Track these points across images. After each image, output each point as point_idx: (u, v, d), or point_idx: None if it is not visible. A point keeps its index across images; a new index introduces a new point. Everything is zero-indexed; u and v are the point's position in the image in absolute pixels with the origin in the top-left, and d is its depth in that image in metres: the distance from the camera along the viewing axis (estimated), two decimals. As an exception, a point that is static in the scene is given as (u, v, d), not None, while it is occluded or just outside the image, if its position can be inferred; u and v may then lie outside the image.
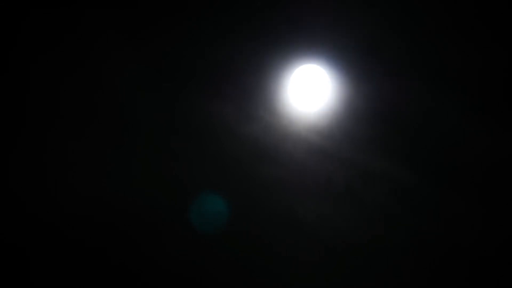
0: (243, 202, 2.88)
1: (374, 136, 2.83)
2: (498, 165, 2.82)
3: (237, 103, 2.81)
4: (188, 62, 2.82)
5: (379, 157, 2.85)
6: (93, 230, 2.85)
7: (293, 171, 2.87)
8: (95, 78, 2.79)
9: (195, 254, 2.89)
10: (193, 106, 2.82)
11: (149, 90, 2.81)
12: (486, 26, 2.76)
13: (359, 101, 2.81)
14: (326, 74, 2.84)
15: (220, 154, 2.86)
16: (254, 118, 2.82)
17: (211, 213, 2.87)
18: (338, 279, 2.89)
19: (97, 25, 2.73)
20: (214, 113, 2.81)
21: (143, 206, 2.87)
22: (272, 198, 2.88)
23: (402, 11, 2.77)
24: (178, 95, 2.83)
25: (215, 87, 2.82)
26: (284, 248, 2.90)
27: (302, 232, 2.89)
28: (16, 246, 2.86)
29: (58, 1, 2.69)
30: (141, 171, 2.86)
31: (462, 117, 2.80)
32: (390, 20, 2.78)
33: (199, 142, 2.86)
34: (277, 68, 2.82)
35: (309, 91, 2.86)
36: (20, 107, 2.80)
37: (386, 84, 2.81)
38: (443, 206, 2.85)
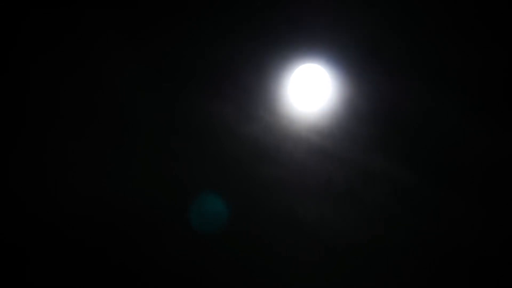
0: (243, 202, 2.88)
1: (374, 136, 2.83)
2: (498, 165, 2.81)
3: (237, 103, 2.81)
4: (188, 62, 2.82)
5: (379, 157, 2.84)
6: (93, 230, 2.85)
7: (293, 171, 2.86)
8: (95, 78, 2.79)
9: (195, 254, 2.89)
10: (193, 106, 2.82)
11: (149, 90, 2.81)
12: (486, 26, 2.76)
13: (359, 101, 2.81)
14: (326, 73, 2.83)
15: (220, 154, 2.86)
16: (254, 118, 2.82)
17: (211, 213, 2.87)
18: (338, 279, 2.89)
19: (97, 25, 2.73)
20: (214, 113, 2.81)
21: (143, 206, 2.87)
22: (272, 198, 2.88)
23: (403, 11, 2.77)
24: (178, 95, 2.82)
25: (215, 87, 2.82)
26: (284, 248, 2.90)
27: (302, 232, 2.89)
28: (16, 246, 2.86)
29: (58, 1, 2.69)
30: (141, 171, 2.86)
31: (462, 117, 2.79)
32: (390, 20, 2.78)
33: (199, 142, 2.86)
34: (277, 68, 2.81)
35: (309, 91, 2.86)
36: (20, 107, 2.80)
37: (386, 84, 2.80)
38: (443, 206, 2.85)
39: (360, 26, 2.78)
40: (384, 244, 2.86)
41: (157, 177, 2.86)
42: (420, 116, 2.83)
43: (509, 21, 2.74)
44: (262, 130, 2.82)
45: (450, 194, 2.84)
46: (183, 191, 2.87)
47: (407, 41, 2.79)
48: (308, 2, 2.76)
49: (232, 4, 2.78)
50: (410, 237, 2.85)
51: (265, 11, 2.78)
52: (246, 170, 2.85)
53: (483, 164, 2.81)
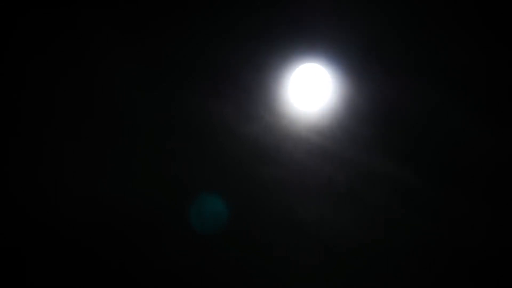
0: (243, 202, 2.88)
1: (376, 136, 2.82)
2: (502, 165, 2.79)
3: (237, 103, 2.81)
4: (188, 61, 2.82)
5: (381, 157, 2.82)
6: (92, 231, 2.86)
7: (294, 171, 2.86)
8: (93, 78, 2.80)
9: (194, 254, 2.89)
10: (193, 106, 2.82)
11: (148, 90, 2.82)
12: (490, 25, 2.74)
13: (360, 101, 2.80)
14: (327, 73, 2.82)
15: (220, 154, 2.86)
16: (254, 118, 2.81)
17: (210, 213, 2.87)
18: (338, 280, 2.87)
19: (94, 24, 2.74)
20: (214, 113, 2.81)
21: (142, 206, 2.87)
22: (272, 198, 2.87)
23: (405, 10, 2.75)
24: (177, 95, 2.83)
25: (215, 87, 2.82)
26: (284, 249, 2.89)
27: (302, 232, 2.88)
28: (12, 248, 2.87)
29: (54, 0, 2.70)
30: (141, 171, 2.87)
31: (465, 117, 2.77)
32: (391, 19, 2.77)
33: (199, 142, 2.86)
34: (277, 67, 2.81)
35: (309, 91, 2.85)
36: (16, 107, 2.82)
37: (388, 83, 2.79)
38: (446, 207, 2.83)
39: (361, 25, 2.77)
40: (386, 245, 2.85)
41: (156, 177, 2.87)
42: (422, 115, 2.81)
43: (513, 20, 2.72)
44: (262, 130, 2.82)
45: (453, 194, 2.82)
46: (183, 191, 2.87)
47: (408, 40, 2.77)
48: (308, 2, 2.75)
49: (232, 4, 2.78)
50: (412, 238, 2.83)
51: (265, 11, 2.77)
52: (246, 170, 2.84)
53: (486, 164, 2.78)
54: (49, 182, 2.84)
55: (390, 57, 2.78)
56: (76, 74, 2.80)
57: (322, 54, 2.79)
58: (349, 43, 2.78)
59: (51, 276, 2.87)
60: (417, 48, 2.77)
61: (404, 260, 2.84)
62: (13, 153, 2.83)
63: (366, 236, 2.85)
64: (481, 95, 2.76)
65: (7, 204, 2.84)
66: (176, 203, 2.87)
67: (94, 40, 2.76)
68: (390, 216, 2.85)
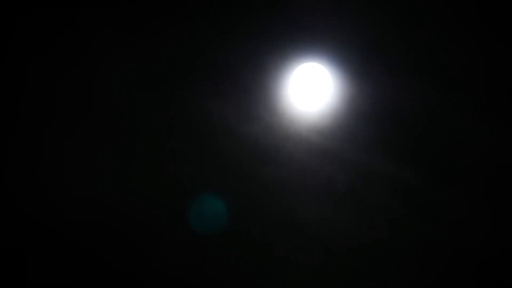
0: (243, 203, 2.88)
1: (376, 136, 2.81)
2: (503, 166, 2.79)
3: (237, 103, 2.81)
4: (188, 61, 2.82)
5: (381, 157, 2.82)
6: (91, 232, 2.86)
7: (294, 171, 2.85)
8: (93, 78, 2.80)
9: (194, 254, 2.89)
10: (193, 106, 2.82)
11: (148, 90, 2.82)
12: (490, 25, 2.73)
13: (361, 101, 2.79)
14: (327, 73, 2.82)
15: (220, 154, 2.86)
16: (254, 118, 2.81)
17: (210, 213, 2.87)
18: (338, 281, 2.87)
19: (94, 24, 2.74)
20: (214, 113, 2.81)
21: (142, 206, 2.88)
22: (272, 198, 2.87)
23: (405, 10, 2.75)
24: (177, 95, 2.83)
25: (215, 87, 2.82)
26: (284, 249, 2.89)
27: (302, 232, 2.88)
28: (12, 248, 2.87)
29: (54, 0, 2.70)
30: (141, 171, 2.87)
31: (466, 117, 2.77)
32: (392, 18, 2.77)
33: (199, 142, 2.86)
34: (277, 67, 2.81)
35: (310, 90, 2.85)
36: (16, 107, 2.82)
37: (389, 83, 2.79)
38: (446, 207, 2.83)
39: (361, 25, 2.77)
40: (386, 245, 2.85)
41: (156, 177, 2.87)
42: (422, 115, 2.81)
43: (513, 20, 2.72)
44: (262, 130, 2.81)
45: (453, 194, 2.81)
46: (182, 191, 2.87)
47: (408, 40, 2.77)
48: (308, 2, 2.75)
49: (232, 4, 2.78)
50: (412, 238, 2.83)
51: (265, 11, 2.77)
52: (246, 170, 2.84)
53: (486, 164, 2.78)
54: (49, 182, 2.84)
55: (390, 57, 2.77)
56: (76, 74, 2.80)
57: (322, 54, 2.79)
58: (349, 43, 2.77)
59: (51, 276, 2.87)
60: (417, 48, 2.77)
61: (404, 260, 2.84)
62: (13, 153, 2.83)
63: (366, 236, 2.85)
64: (481, 95, 2.76)
65: (7, 204, 2.85)
66: (176, 203, 2.87)
67: (94, 40, 2.76)
68: (390, 216, 2.85)
